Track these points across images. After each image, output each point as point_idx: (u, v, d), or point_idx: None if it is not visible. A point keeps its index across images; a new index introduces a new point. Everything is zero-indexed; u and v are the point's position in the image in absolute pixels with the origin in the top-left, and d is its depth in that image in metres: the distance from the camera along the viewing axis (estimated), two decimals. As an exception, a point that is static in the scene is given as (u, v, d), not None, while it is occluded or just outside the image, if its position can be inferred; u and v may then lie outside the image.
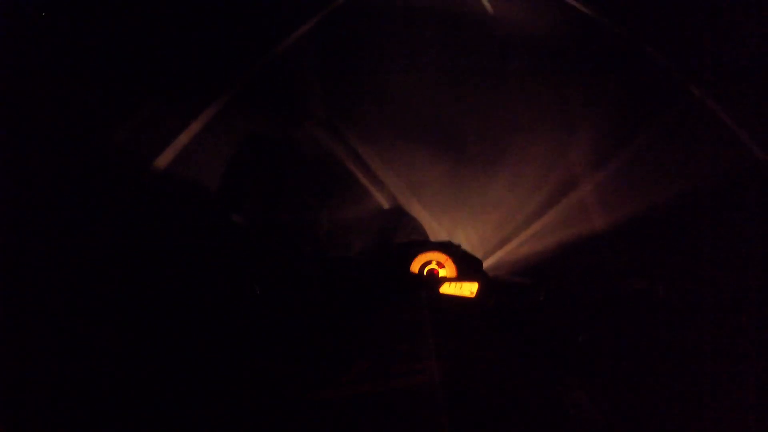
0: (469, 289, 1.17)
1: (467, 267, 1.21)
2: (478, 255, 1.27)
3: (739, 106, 3.16)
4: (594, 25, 4.52)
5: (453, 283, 1.17)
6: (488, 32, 4.19)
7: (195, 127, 2.63)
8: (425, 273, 1.20)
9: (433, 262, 1.21)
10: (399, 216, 2.00)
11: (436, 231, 2.23)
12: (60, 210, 1.92)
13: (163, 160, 2.38)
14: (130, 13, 3.27)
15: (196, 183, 2.24)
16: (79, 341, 1.47)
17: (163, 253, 1.65)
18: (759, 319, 1.82)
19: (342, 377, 0.92)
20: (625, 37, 4.20)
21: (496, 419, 0.86)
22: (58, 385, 1.32)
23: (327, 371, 0.95)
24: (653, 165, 2.79)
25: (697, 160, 2.82)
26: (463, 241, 2.21)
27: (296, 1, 4.26)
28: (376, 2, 4.52)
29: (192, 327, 1.24)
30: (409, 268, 1.20)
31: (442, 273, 1.20)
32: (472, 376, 0.93)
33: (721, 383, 1.61)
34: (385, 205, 2.32)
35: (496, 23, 4.31)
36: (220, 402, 0.96)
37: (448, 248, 1.23)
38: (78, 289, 1.63)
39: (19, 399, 1.27)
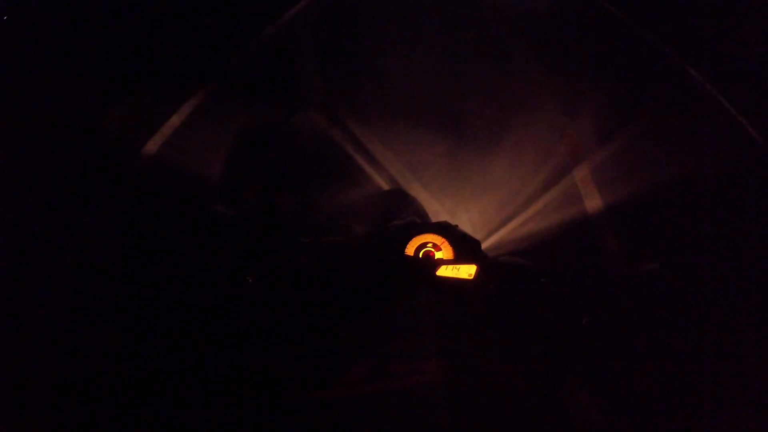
0: (467, 271, 1.14)
1: (465, 249, 1.18)
2: (480, 235, 1.24)
3: (738, 90, 3.16)
4: (594, 6, 4.51)
5: (450, 266, 1.15)
6: (488, 11, 4.17)
7: (186, 110, 2.60)
8: (421, 256, 1.18)
9: (429, 245, 1.19)
10: (399, 198, 1.96)
11: (438, 212, 2.23)
12: (49, 199, 1.89)
13: (153, 145, 2.35)
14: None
15: (188, 169, 2.21)
16: (74, 338, 1.45)
17: (156, 244, 1.63)
18: (759, 312, 1.81)
19: (342, 377, 0.92)
20: (625, 19, 4.20)
21: (496, 419, 0.86)
22: (50, 377, 1.31)
23: (327, 371, 0.95)
24: (653, 146, 2.79)
25: (697, 142, 2.81)
26: (465, 222, 2.21)
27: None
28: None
29: (190, 325, 1.24)
30: (404, 251, 1.19)
31: (438, 255, 1.18)
32: (472, 376, 0.93)
33: (721, 383, 1.61)
34: (385, 187, 2.31)
35: (495, 3, 4.30)
36: (220, 402, 0.96)
37: (445, 229, 1.20)
38: (69, 283, 1.60)
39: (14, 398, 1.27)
